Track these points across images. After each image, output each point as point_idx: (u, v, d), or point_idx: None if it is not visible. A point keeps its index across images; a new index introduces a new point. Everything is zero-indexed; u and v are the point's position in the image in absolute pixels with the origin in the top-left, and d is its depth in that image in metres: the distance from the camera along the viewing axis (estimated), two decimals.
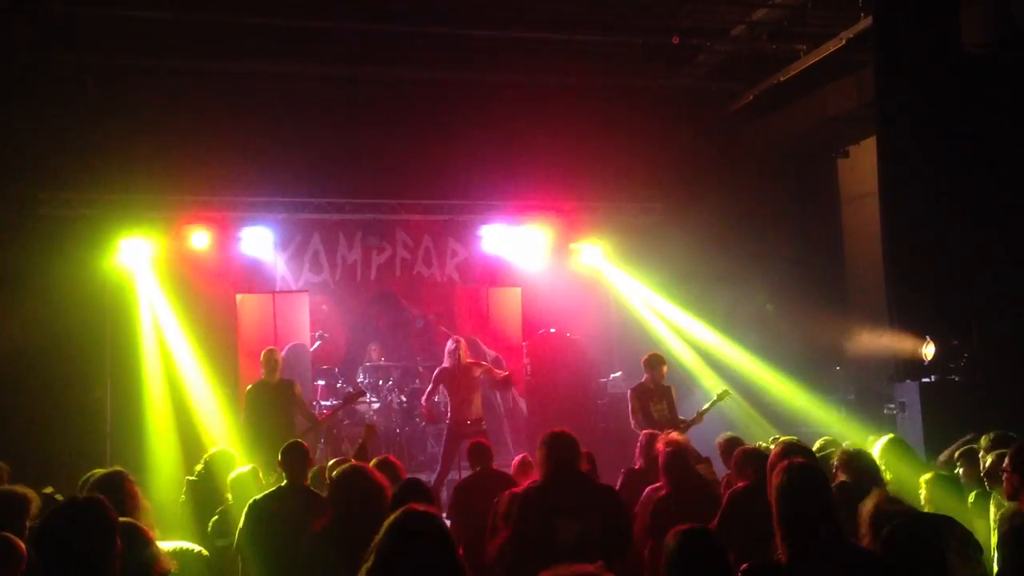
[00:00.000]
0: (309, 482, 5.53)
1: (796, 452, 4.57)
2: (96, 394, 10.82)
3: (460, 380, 9.50)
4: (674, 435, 6.14)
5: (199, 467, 6.30)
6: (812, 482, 3.35)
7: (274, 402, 8.69)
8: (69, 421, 10.31)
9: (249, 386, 9.09)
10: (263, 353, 9.06)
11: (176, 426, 10.44)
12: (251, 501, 5.27)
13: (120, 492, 4.24)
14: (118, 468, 4.96)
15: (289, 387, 8.89)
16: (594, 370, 12.13)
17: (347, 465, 4.97)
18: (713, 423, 8.82)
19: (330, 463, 6.03)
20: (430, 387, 9.84)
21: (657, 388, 9.10)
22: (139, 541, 3.75)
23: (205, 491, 5.85)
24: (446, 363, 9.61)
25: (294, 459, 5.43)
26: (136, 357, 10.92)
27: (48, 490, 5.36)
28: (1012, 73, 9.42)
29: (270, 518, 5.13)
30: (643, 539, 5.48)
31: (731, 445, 6.32)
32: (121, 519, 3.89)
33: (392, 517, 3.11)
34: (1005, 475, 4.36)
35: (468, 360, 9.62)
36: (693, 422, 8.68)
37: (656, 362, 9.17)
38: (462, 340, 9.83)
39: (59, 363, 10.47)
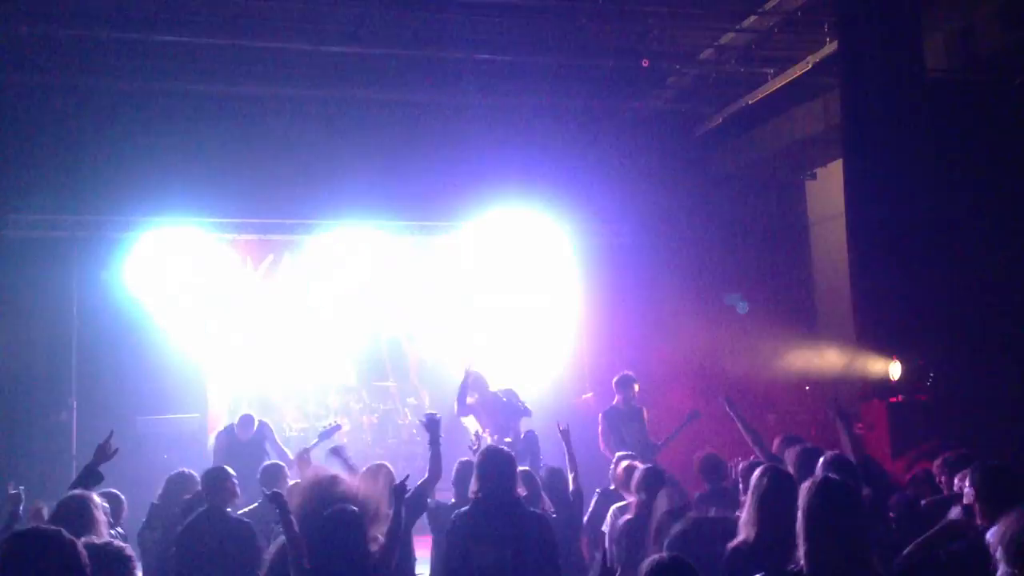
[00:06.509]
0: None
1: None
2: (61, 417, 10.66)
3: (492, 408, 9.12)
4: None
5: (159, 491, 6.23)
6: (846, 500, 3.40)
7: (253, 444, 8.63)
8: (34, 444, 10.16)
9: (219, 431, 9.03)
10: (237, 422, 8.84)
11: (142, 449, 10.28)
12: (179, 530, 5.34)
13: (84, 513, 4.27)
14: (79, 492, 4.90)
15: (266, 431, 8.86)
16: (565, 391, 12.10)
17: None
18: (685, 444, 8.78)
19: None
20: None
21: (629, 410, 9.03)
22: (121, 565, 3.73)
23: (166, 515, 5.77)
24: (470, 398, 9.20)
25: (215, 481, 5.49)
26: (102, 379, 10.76)
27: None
28: (974, 97, 9.61)
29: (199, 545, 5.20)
30: None
31: (710, 462, 6.36)
32: (99, 542, 3.87)
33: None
34: (967, 490, 4.36)
35: (493, 390, 9.21)
36: (664, 445, 8.67)
37: (626, 383, 9.11)
38: (480, 373, 9.32)
39: (24, 386, 10.33)
